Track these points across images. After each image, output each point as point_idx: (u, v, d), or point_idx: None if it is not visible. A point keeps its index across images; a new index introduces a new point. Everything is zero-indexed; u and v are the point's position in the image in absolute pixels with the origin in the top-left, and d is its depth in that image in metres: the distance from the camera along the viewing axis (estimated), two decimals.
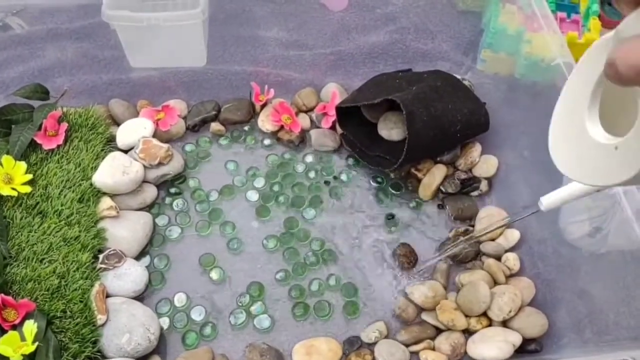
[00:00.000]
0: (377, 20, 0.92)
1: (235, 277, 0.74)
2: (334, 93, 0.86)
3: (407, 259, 0.75)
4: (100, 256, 0.70)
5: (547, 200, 0.56)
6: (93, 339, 0.64)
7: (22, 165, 0.72)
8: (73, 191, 0.73)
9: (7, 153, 0.73)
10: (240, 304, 0.71)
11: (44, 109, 0.77)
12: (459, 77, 0.88)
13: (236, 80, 0.90)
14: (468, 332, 0.69)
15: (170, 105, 0.85)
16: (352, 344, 0.68)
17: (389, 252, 0.75)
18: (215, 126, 0.87)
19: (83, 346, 0.63)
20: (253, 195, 0.81)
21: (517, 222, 0.78)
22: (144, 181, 0.79)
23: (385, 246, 0.76)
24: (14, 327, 0.61)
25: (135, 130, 0.81)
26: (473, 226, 0.78)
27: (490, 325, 0.69)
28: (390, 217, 0.79)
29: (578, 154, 0.38)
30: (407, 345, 0.68)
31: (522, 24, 0.82)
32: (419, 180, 0.82)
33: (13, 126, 0.76)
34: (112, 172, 0.75)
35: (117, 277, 0.70)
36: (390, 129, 0.82)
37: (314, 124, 0.88)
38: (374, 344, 0.68)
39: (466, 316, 0.69)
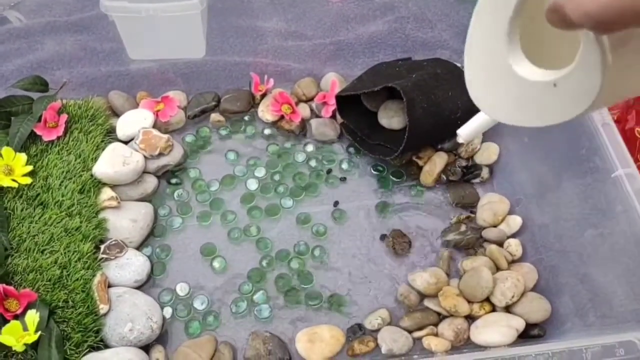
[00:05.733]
0: (376, 10, 0.92)
1: (237, 266, 0.74)
2: (333, 82, 0.86)
3: (400, 245, 0.74)
4: (102, 246, 0.70)
5: (464, 131, 0.52)
6: (95, 328, 0.64)
7: (22, 156, 0.72)
8: (74, 182, 0.73)
9: (7, 145, 0.72)
10: (242, 293, 0.71)
11: (44, 101, 0.77)
12: (459, 65, 0.87)
13: (235, 70, 0.90)
14: (471, 318, 0.69)
15: (170, 96, 0.85)
16: (355, 332, 0.68)
17: (390, 238, 0.75)
18: (215, 117, 0.86)
19: (85, 335, 0.63)
20: (253, 185, 0.81)
21: (518, 209, 0.78)
22: (145, 172, 0.78)
23: (386, 233, 0.76)
24: (16, 317, 0.61)
25: (135, 121, 0.81)
26: (474, 213, 0.78)
27: (493, 310, 0.69)
28: (390, 204, 0.79)
29: (508, 95, 0.33)
30: (410, 332, 0.68)
31: None
32: (420, 168, 0.82)
33: (13, 118, 0.76)
34: (112, 162, 0.75)
35: (119, 267, 0.70)
36: (391, 118, 0.82)
37: (314, 114, 0.88)
38: (377, 330, 0.68)
39: (469, 302, 0.69)
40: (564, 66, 0.30)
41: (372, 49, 0.92)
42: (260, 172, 0.82)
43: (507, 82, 0.33)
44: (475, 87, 0.35)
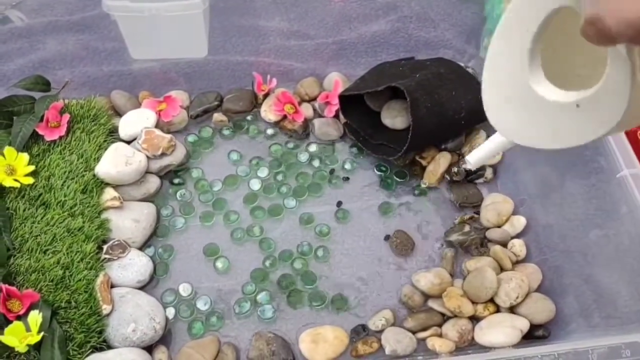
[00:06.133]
0: (378, 10, 0.92)
1: (240, 266, 0.74)
2: (336, 82, 0.86)
3: (403, 245, 0.74)
4: (105, 247, 0.70)
5: (473, 157, 0.53)
6: (98, 329, 0.64)
7: (25, 156, 0.72)
8: (76, 182, 0.72)
9: (9, 145, 0.72)
10: (246, 293, 0.71)
11: (46, 100, 0.76)
12: (462, 64, 0.87)
13: (238, 70, 0.90)
14: (475, 319, 0.69)
15: (172, 96, 0.85)
16: (359, 332, 0.68)
17: (393, 239, 0.75)
18: (217, 116, 0.86)
19: (88, 336, 0.63)
20: (256, 185, 0.80)
21: (522, 209, 0.77)
22: (147, 172, 0.78)
23: (390, 234, 0.76)
24: (19, 318, 0.61)
25: (137, 121, 0.81)
26: (478, 213, 0.78)
27: (497, 311, 0.69)
28: (393, 205, 0.79)
29: (526, 116, 0.33)
30: (414, 332, 0.68)
31: None
32: (424, 168, 0.81)
33: (15, 118, 0.75)
34: (115, 162, 0.74)
35: (122, 267, 0.69)
36: (394, 117, 0.81)
37: (317, 113, 0.88)
38: (381, 331, 0.68)
39: (473, 303, 0.69)
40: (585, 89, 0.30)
41: (375, 48, 0.92)
42: (263, 172, 0.82)
43: (527, 104, 0.33)
44: (494, 110, 0.36)
